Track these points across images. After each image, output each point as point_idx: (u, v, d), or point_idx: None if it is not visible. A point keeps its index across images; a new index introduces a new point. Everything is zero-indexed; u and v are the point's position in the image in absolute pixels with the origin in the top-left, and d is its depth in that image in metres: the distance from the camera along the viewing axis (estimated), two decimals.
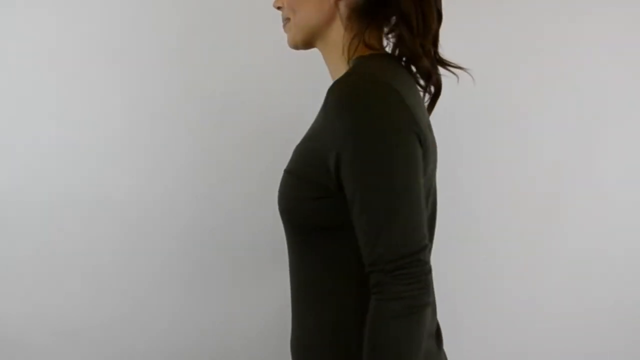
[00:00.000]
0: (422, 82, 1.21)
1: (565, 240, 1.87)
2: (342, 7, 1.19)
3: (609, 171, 1.87)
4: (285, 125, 1.55)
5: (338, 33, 1.21)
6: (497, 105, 1.80)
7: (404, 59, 1.21)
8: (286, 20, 1.23)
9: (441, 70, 1.22)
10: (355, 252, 1.11)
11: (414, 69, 1.20)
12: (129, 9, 1.73)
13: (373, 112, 1.07)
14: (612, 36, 1.83)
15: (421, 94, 1.21)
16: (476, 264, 1.87)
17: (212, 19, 1.77)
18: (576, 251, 1.87)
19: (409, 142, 1.08)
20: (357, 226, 1.09)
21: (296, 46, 1.25)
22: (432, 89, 1.22)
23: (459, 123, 1.80)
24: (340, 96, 1.08)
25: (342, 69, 1.21)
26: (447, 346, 1.24)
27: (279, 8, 1.25)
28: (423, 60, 1.18)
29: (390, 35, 1.24)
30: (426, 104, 1.22)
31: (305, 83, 1.57)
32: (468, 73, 1.21)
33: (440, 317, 1.23)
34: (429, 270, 1.08)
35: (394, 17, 1.19)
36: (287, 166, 1.17)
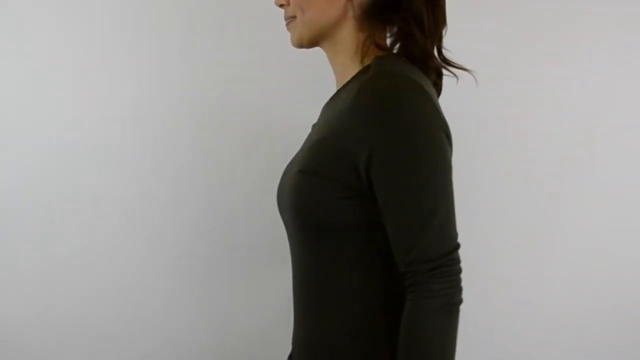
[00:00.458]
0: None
1: (566, 240, 1.87)
2: (353, 6, 1.19)
3: (610, 171, 1.86)
4: (286, 125, 1.55)
5: (348, 32, 1.20)
6: (497, 105, 1.80)
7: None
8: (291, 18, 1.21)
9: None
10: (379, 251, 1.12)
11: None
12: (130, 9, 1.73)
13: (409, 113, 1.07)
14: (613, 35, 1.83)
15: None
16: (476, 263, 1.87)
17: (212, 19, 1.77)
18: (576, 251, 1.87)
19: (442, 141, 1.09)
20: (392, 226, 1.09)
21: (301, 45, 1.23)
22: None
23: (458, 123, 1.80)
24: (375, 96, 1.08)
25: (351, 68, 1.20)
26: None
27: (281, 6, 1.23)
28: (434, 59, 1.19)
29: (388, 35, 1.24)
30: None
31: (306, 83, 1.57)
32: (472, 74, 1.21)
33: None
34: (461, 270, 1.10)
35: (396, 17, 1.19)
36: (303, 166, 1.14)
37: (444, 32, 1.22)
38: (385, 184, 1.08)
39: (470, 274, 1.42)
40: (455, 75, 1.21)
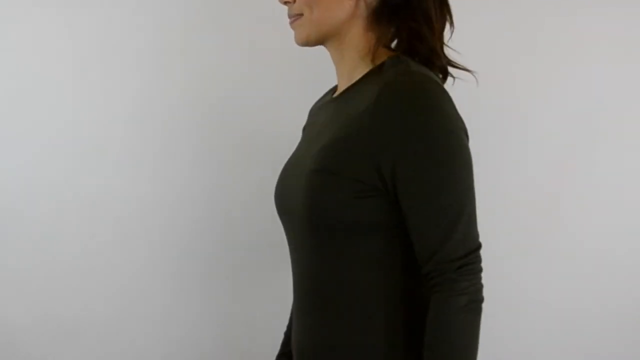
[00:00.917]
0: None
1: (566, 239, 1.86)
2: (363, 6, 1.18)
3: (610, 170, 1.86)
4: (287, 126, 1.54)
5: (357, 32, 1.19)
6: (496, 104, 1.80)
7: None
8: (297, 16, 1.19)
9: None
10: (396, 251, 1.13)
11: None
12: (131, 9, 1.73)
13: (435, 113, 1.08)
14: (613, 35, 1.83)
15: None
16: None
17: (213, 19, 1.77)
18: (577, 250, 1.87)
19: (465, 142, 1.11)
20: (417, 226, 1.09)
21: (307, 44, 1.21)
22: None
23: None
24: (402, 96, 1.08)
25: (360, 68, 1.19)
26: None
27: (285, 3, 1.21)
28: (442, 58, 1.19)
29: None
30: None
31: (306, 84, 1.57)
32: (473, 75, 1.21)
33: None
34: (482, 269, 1.11)
35: (407, 17, 1.18)
36: (318, 165, 1.13)
37: (451, 32, 1.22)
38: (412, 184, 1.08)
39: None
40: (452, 75, 1.22)
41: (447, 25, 1.22)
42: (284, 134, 1.43)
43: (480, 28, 1.77)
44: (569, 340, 1.88)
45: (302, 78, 1.62)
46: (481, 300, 1.10)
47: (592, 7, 1.80)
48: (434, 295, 1.08)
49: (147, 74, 1.75)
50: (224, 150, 1.78)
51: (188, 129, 1.77)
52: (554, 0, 1.81)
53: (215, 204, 1.79)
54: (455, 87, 1.20)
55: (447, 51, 1.22)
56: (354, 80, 1.20)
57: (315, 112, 1.33)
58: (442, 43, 1.21)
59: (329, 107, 1.25)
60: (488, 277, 1.35)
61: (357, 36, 1.20)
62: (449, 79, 1.21)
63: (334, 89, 1.33)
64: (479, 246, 1.10)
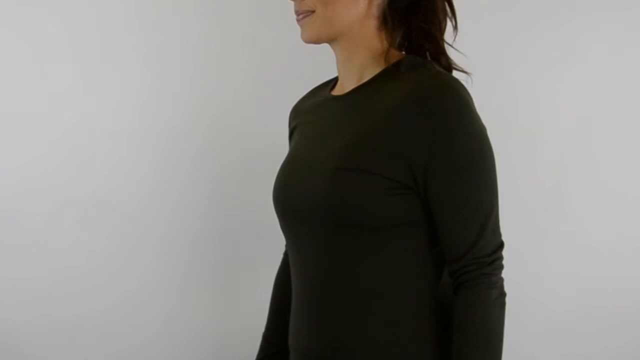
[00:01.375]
0: None
1: (567, 239, 1.87)
2: (375, 5, 1.19)
3: (611, 170, 1.87)
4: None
5: (370, 31, 1.20)
6: (496, 104, 1.81)
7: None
8: (309, 12, 1.18)
9: None
10: (420, 248, 1.15)
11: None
12: (131, 9, 1.73)
13: (467, 113, 1.11)
14: (613, 35, 1.84)
15: None
16: None
17: (214, 19, 1.77)
18: (578, 250, 1.88)
19: (489, 141, 1.15)
20: (451, 223, 1.11)
21: (316, 41, 1.20)
22: None
23: None
24: (438, 97, 1.09)
25: (372, 68, 1.20)
26: None
27: None
28: (447, 59, 1.20)
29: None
30: None
31: (307, 84, 1.57)
32: (469, 76, 1.22)
33: None
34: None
35: (417, 17, 1.19)
36: (343, 163, 1.13)
37: (454, 34, 1.23)
38: (446, 184, 1.10)
39: None
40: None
41: (451, 27, 1.23)
42: (285, 134, 1.43)
43: (482, 29, 1.78)
44: (569, 339, 1.88)
45: (304, 78, 1.62)
46: (505, 294, 1.14)
47: (593, 8, 1.81)
48: (468, 290, 1.11)
49: (148, 75, 1.75)
50: (225, 151, 1.79)
51: (189, 129, 1.77)
52: (554, 2, 1.82)
53: (217, 204, 1.79)
54: None
55: (449, 51, 1.24)
56: (365, 79, 1.20)
57: (310, 110, 1.31)
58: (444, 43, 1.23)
59: (333, 105, 1.24)
60: None
61: (370, 36, 1.20)
62: None
63: (326, 86, 1.31)
64: (503, 243, 1.15)
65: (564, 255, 1.88)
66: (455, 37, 1.23)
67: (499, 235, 1.15)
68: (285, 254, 1.46)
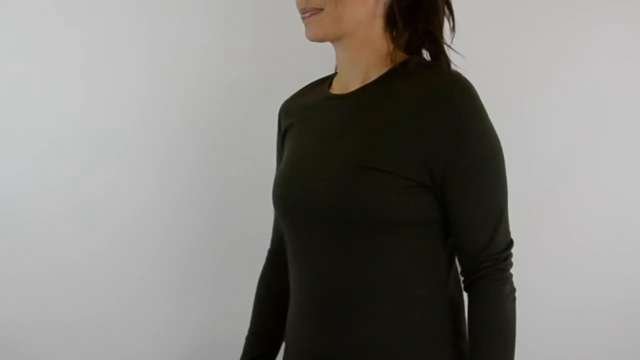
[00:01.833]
0: None
1: (566, 238, 1.87)
2: (381, 5, 1.20)
3: (611, 169, 1.87)
4: None
5: (376, 31, 1.21)
6: (496, 104, 1.80)
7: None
8: (317, 10, 1.18)
9: None
10: (435, 245, 1.17)
11: None
12: (131, 10, 1.73)
13: (482, 112, 1.14)
14: (613, 34, 1.84)
15: None
16: None
17: (214, 19, 1.77)
18: (577, 249, 1.88)
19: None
20: (469, 221, 1.14)
21: (323, 39, 1.21)
22: None
23: None
24: (455, 97, 1.11)
25: (378, 67, 1.20)
26: None
27: None
28: (446, 56, 1.21)
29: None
30: None
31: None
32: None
33: None
34: None
35: (421, 17, 1.21)
36: (359, 162, 1.13)
37: (452, 35, 1.24)
38: (464, 183, 1.12)
39: None
40: None
41: (448, 28, 1.24)
42: None
43: (481, 28, 1.78)
44: (568, 339, 1.88)
45: (306, 78, 1.63)
46: (515, 289, 1.19)
47: (592, 7, 1.81)
48: (486, 285, 1.14)
49: (149, 76, 1.75)
50: (226, 151, 1.79)
51: (191, 130, 1.77)
52: (554, 1, 1.82)
53: (218, 204, 1.80)
54: None
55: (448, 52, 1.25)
56: (371, 79, 1.20)
57: (308, 108, 1.30)
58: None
59: (337, 103, 1.23)
60: None
61: (376, 36, 1.21)
62: None
63: (319, 85, 1.31)
64: (512, 239, 1.19)
65: (564, 255, 1.88)
66: (453, 37, 1.23)
67: (509, 232, 1.19)
68: (270, 254, 1.45)
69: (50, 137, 1.71)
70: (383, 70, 1.21)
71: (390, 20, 1.21)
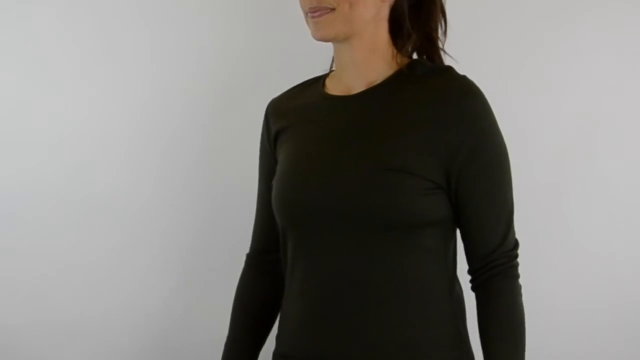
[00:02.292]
0: None
1: (566, 238, 1.88)
2: (386, 7, 1.22)
3: (611, 170, 1.89)
4: None
5: (382, 33, 1.23)
6: (496, 104, 1.81)
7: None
8: (328, 9, 1.18)
9: None
10: (448, 243, 1.22)
11: None
12: (132, 10, 1.74)
13: (493, 116, 1.20)
14: (614, 34, 1.86)
15: None
16: None
17: (214, 18, 1.77)
18: (577, 249, 1.89)
19: None
20: (483, 220, 1.19)
21: (333, 39, 1.21)
22: None
23: None
24: (472, 100, 1.17)
25: (384, 69, 1.23)
26: None
27: None
28: (441, 58, 1.23)
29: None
30: None
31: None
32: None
33: None
34: None
35: (420, 20, 1.25)
36: (385, 164, 1.16)
37: (444, 38, 1.26)
38: (480, 182, 1.17)
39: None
40: None
41: (440, 30, 1.26)
42: None
43: (482, 29, 1.80)
44: (569, 338, 1.89)
45: (304, 77, 1.63)
46: (521, 286, 1.24)
47: (592, 7, 1.82)
48: (502, 281, 1.21)
49: (148, 76, 1.76)
50: (226, 151, 1.79)
51: (190, 131, 1.78)
52: (555, 2, 1.82)
53: (218, 204, 1.80)
54: None
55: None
56: (377, 80, 1.22)
57: (305, 109, 1.30)
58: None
59: (342, 104, 1.25)
60: None
61: (382, 38, 1.23)
62: None
63: (311, 86, 1.31)
64: (517, 239, 1.25)
65: (563, 256, 1.89)
66: (444, 41, 1.25)
67: (515, 231, 1.25)
68: (250, 259, 1.43)
69: (50, 137, 1.72)
70: (388, 72, 1.22)
71: (394, 23, 1.22)
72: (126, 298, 1.77)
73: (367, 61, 1.23)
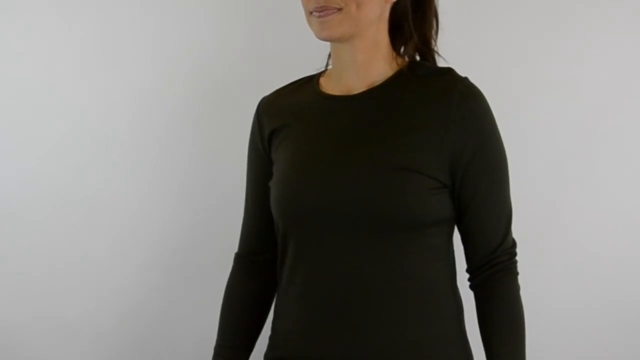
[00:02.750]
0: None
1: (566, 238, 1.88)
2: (387, 8, 1.22)
3: (611, 170, 1.89)
4: None
5: (382, 34, 1.24)
6: (496, 104, 1.81)
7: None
8: (335, 9, 1.17)
9: None
10: (449, 242, 1.24)
11: None
12: (133, 10, 1.73)
13: (493, 116, 1.22)
14: (614, 34, 1.86)
15: None
16: None
17: (213, 18, 1.77)
18: (577, 249, 1.88)
19: None
20: (488, 218, 1.21)
21: (339, 39, 1.20)
22: None
23: None
24: (476, 101, 1.18)
25: (384, 69, 1.23)
26: None
27: None
28: (434, 59, 1.24)
29: None
30: None
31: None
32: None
33: None
34: None
35: (417, 22, 1.26)
36: (395, 164, 1.16)
37: (435, 39, 1.27)
38: (483, 182, 1.19)
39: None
40: None
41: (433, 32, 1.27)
42: None
43: (481, 28, 1.80)
44: (568, 341, 1.89)
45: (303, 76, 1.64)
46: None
47: (592, 9, 1.82)
48: (505, 278, 1.23)
49: (146, 76, 1.76)
50: (225, 151, 1.79)
51: (188, 130, 1.78)
52: (553, 2, 1.82)
53: (217, 204, 1.80)
54: None
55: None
56: (378, 81, 1.22)
57: (301, 109, 1.29)
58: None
59: (343, 105, 1.24)
60: None
61: (383, 39, 1.24)
62: None
63: (305, 86, 1.31)
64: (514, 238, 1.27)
65: (563, 256, 1.88)
66: (436, 41, 1.25)
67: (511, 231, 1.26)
68: (240, 259, 1.42)
69: (49, 137, 1.72)
70: (388, 73, 1.22)
71: (393, 23, 1.22)
72: (124, 297, 1.77)
73: (368, 62, 1.23)
